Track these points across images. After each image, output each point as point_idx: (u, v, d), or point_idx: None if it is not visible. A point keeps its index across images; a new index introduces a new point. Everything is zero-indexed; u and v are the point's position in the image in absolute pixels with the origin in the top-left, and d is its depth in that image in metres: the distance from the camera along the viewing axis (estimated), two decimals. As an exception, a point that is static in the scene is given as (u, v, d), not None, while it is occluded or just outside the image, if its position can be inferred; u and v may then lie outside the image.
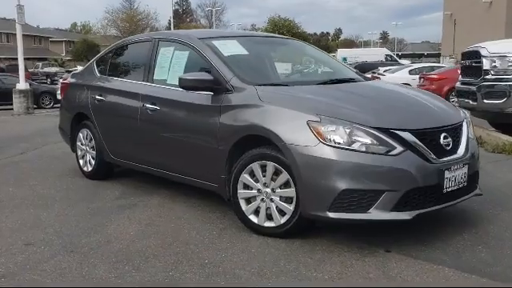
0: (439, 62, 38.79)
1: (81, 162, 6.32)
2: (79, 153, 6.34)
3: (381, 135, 3.61)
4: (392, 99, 4.39)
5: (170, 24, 72.43)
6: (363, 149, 3.58)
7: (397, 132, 3.66)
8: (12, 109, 16.77)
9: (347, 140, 3.59)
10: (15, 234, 4.27)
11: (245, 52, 4.92)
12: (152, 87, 5.11)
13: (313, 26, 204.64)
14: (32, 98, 17.32)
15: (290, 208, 3.85)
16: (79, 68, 20.75)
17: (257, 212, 4.04)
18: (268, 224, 3.98)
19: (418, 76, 19.18)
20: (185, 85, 4.45)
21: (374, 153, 3.58)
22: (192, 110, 4.59)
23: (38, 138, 10.24)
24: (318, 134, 3.64)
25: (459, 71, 10.14)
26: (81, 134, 6.25)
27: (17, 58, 17.43)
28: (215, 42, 4.86)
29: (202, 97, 4.47)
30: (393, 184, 3.57)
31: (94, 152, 6.01)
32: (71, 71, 20.50)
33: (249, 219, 4.08)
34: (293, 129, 3.76)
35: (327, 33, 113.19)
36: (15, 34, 17.21)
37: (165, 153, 4.94)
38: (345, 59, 36.91)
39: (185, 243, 3.97)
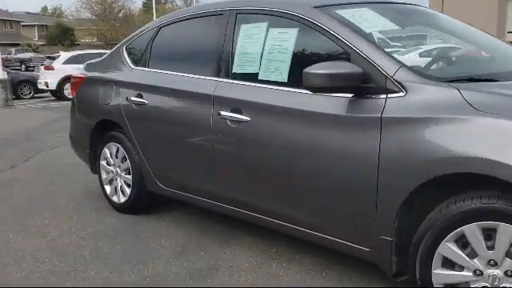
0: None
1: (107, 188, 4.45)
2: (104, 176, 4.45)
3: None
4: None
5: (145, 6, 69.68)
6: None
7: None
8: (-13, 102, 14.62)
9: None
10: None
11: (394, 27, 3.09)
12: (233, 86, 3.31)
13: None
14: (11, 89, 15.23)
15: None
16: (62, 54, 18.54)
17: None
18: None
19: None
20: (316, 83, 2.64)
21: None
22: (317, 123, 2.85)
23: (27, 143, 8.42)
24: None
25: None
26: (107, 151, 4.37)
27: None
28: (343, 13, 3.02)
29: (336, 102, 2.76)
30: None
31: (130, 177, 4.13)
32: (53, 57, 18.40)
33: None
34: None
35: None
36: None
37: (262, 190, 3.20)
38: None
39: None
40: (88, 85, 4.61)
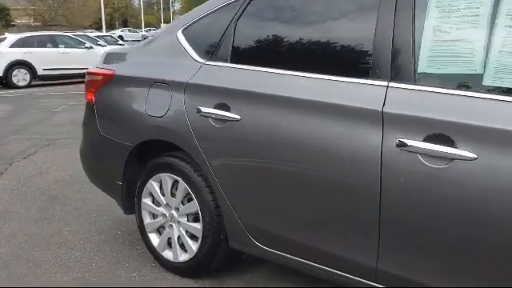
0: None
1: (154, 238, 3.03)
2: (148, 220, 3.02)
3: None
4: None
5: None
6: None
7: None
8: None
9: None
10: None
11: None
12: (427, 97, 1.97)
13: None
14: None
15: None
16: (9, 36, 16.33)
17: None
18: None
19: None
20: None
21: None
22: None
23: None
24: None
25: None
26: (155, 185, 2.94)
27: None
28: None
29: None
30: None
31: (198, 226, 2.74)
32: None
33: None
34: None
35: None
36: None
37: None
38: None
39: None
40: (119, 86, 3.11)
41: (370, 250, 2.13)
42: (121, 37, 38.27)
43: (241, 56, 2.66)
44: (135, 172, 3.14)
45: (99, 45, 17.88)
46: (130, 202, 3.23)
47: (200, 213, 2.79)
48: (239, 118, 2.49)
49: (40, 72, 15.50)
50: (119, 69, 3.17)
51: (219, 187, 2.64)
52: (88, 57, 16.11)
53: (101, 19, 52.97)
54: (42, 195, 4.61)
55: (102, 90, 3.21)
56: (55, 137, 7.39)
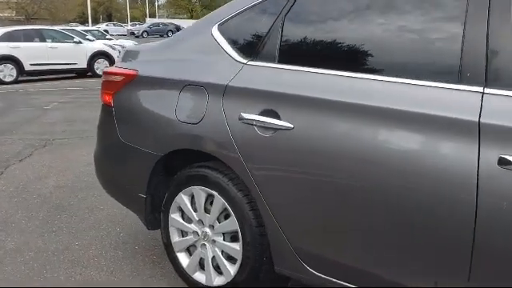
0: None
1: (183, 259, 2.74)
2: (177, 238, 2.70)
3: None
4: None
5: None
6: None
7: None
8: None
9: None
10: None
11: None
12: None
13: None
14: None
15: None
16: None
17: None
18: None
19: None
20: None
21: None
22: None
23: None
24: None
25: None
26: (185, 199, 2.65)
27: None
28: None
29: None
30: None
31: (237, 246, 2.48)
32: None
33: None
34: None
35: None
36: None
37: None
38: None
39: None
40: (143, 88, 2.77)
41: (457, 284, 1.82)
42: (106, 31, 37.58)
43: (291, 55, 2.33)
44: (161, 184, 2.81)
45: (87, 39, 17.40)
46: (154, 217, 2.89)
47: (239, 231, 2.47)
48: (292, 126, 2.16)
49: (27, 67, 15.01)
50: (143, 69, 2.83)
51: (264, 203, 2.32)
52: (77, 51, 15.69)
53: (85, 13, 52.25)
54: (44, 203, 4.24)
55: (123, 92, 2.87)
56: (50, 137, 7.00)
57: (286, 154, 2.20)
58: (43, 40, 15.48)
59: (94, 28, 27.11)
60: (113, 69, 2.99)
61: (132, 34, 50.64)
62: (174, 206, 2.74)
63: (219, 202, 2.52)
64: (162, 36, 52.38)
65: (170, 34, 53.98)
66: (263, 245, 2.41)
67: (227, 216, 2.53)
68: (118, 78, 2.90)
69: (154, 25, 57.42)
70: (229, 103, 2.40)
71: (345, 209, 2.06)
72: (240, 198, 2.43)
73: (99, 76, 15.88)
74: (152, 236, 3.43)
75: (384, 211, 1.95)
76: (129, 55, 3.07)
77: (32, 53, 14.99)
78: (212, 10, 2.99)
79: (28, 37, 15.34)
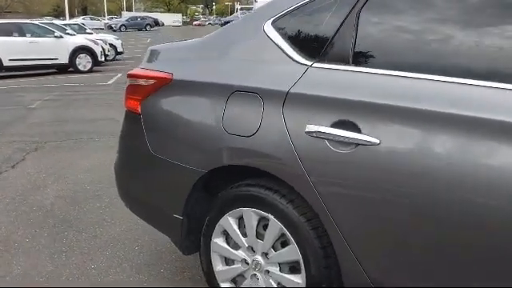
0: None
1: (228, 290, 2.31)
2: (220, 267, 2.35)
3: None
4: None
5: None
6: None
7: None
8: None
9: None
10: None
11: None
12: None
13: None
14: None
15: None
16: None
17: None
18: None
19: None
20: None
21: None
22: None
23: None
24: None
25: None
26: (232, 222, 2.31)
27: None
28: None
29: None
30: None
31: (299, 279, 2.15)
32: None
33: None
34: None
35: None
36: None
37: None
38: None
39: None
40: (180, 93, 2.40)
41: None
42: (83, 25, 36.67)
43: (370, 56, 1.98)
44: (199, 204, 2.44)
45: (68, 34, 16.79)
46: (190, 241, 2.51)
47: (302, 262, 2.11)
48: (377, 141, 1.81)
49: (6, 63, 14.38)
50: (178, 71, 2.45)
51: (337, 230, 1.97)
52: (58, 46, 15.11)
53: (60, 6, 51.24)
54: (47, 217, 3.84)
55: (154, 98, 2.49)
56: (41, 139, 6.55)
57: (369, 172, 1.86)
58: (23, 34, 14.85)
59: (74, 22, 26.31)
60: (140, 71, 2.60)
61: (110, 27, 49.65)
62: (217, 229, 2.37)
63: (275, 226, 2.16)
64: (140, 30, 51.64)
65: (148, 27, 53.27)
66: (330, 278, 2.06)
67: (285, 243, 2.17)
68: (148, 82, 2.52)
69: (131, 18, 56.52)
70: (291, 113, 2.04)
71: (432, 230, 1.72)
72: (303, 223, 2.08)
73: (81, 72, 15.36)
74: (177, 256, 3.07)
75: (473, 233, 1.62)
76: (156, 55, 2.69)
77: (11, 48, 14.37)
78: (190, 4, 2.59)
79: (7, 31, 14.69)
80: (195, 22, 78.68)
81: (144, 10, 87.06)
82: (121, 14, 71.46)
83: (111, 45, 19.33)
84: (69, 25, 21.26)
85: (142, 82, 2.56)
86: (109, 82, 13.11)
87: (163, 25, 67.35)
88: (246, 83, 2.20)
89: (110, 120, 7.84)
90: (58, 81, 13.49)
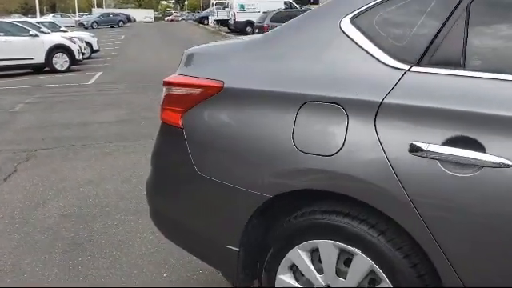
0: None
1: None
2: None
3: None
4: None
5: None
6: None
7: None
8: None
9: None
10: None
11: None
12: None
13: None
14: None
15: None
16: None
17: None
18: None
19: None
20: None
21: None
22: None
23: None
24: None
25: None
26: (303, 255, 1.95)
27: None
28: None
29: None
30: None
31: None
32: None
33: None
34: None
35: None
36: None
37: None
38: (242, 6, 32.88)
39: None
40: (234, 104, 2.03)
41: None
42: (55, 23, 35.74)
43: (491, 58, 1.63)
44: (257, 233, 2.06)
45: (42, 32, 16.12)
46: (245, 274, 2.15)
47: (397, 304, 1.75)
48: (510, 163, 1.46)
49: (-22, 64, 13.70)
50: (230, 78, 2.07)
51: (453, 272, 1.61)
52: (33, 45, 14.49)
53: (27, 3, 50.04)
54: (54, 240, 3.42)
55: (201, 110, 2.11)
56: (31, 147, 6.08)
57: (496, 198, 1.51)
58: (-5, 34, 14.18)
59: (48, 20, 25.48)
60: (181, 78, 2.21)
61: (81, 25, 48.56)
62: (284, 264, 2.01)
63: (363, 263, 1.81)
64: (112, 27, 50.63)
65: (120, 23, 52.30)
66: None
67: (373, 281, 1.81)
68: (192, 91, 2.13)
69: (103, 15, 55.44)
70: (387, 127, 1.69)
71: None
72: (400, 260, 1.72)
73: (58, 71, 14.74)
74: (213, 279, 2.69)
75: None
76: (196, 59, 2.31)
77: (-17, 47, 13.69)
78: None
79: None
80: (167, 18, 77.48)
81: (115, 7, 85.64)
82: (91, 11, 70.14)
83: (87, 43, 18.69)
84: (42, 23, 20.49)
85: (184, 91, 2.18)
86: (89, 82, 12.57)
87: (135, 21, 66.29)
88: (322, 92, 1.84)
89: (99, 124, 7.39)
90: (36, 82, 12.89)
